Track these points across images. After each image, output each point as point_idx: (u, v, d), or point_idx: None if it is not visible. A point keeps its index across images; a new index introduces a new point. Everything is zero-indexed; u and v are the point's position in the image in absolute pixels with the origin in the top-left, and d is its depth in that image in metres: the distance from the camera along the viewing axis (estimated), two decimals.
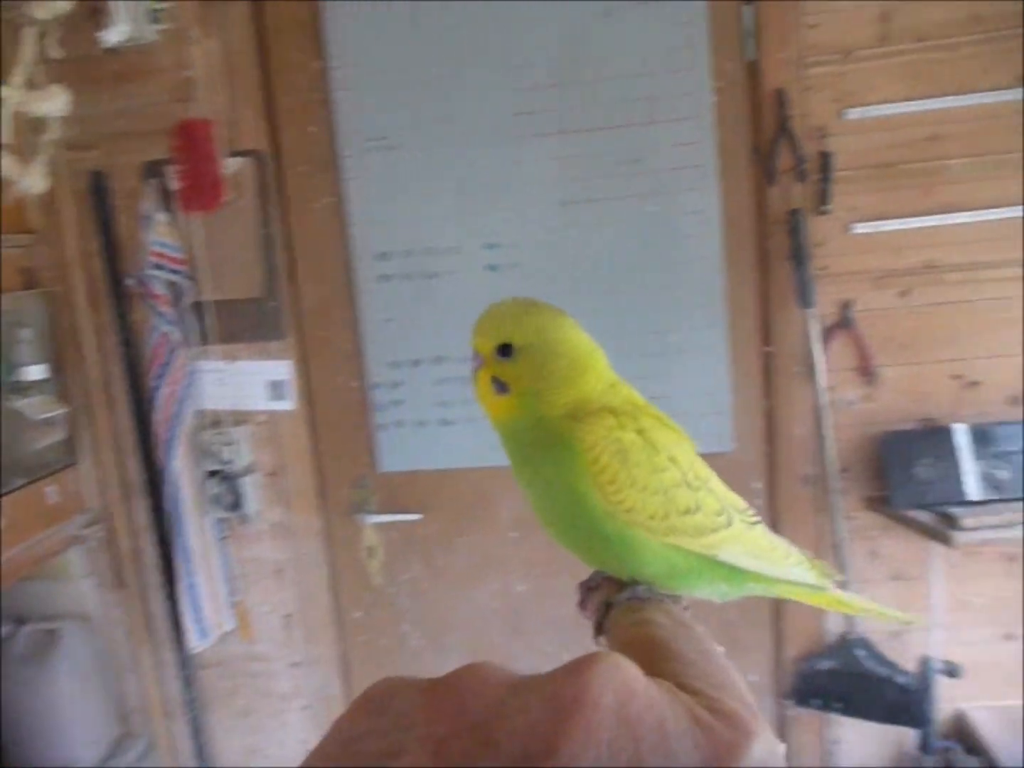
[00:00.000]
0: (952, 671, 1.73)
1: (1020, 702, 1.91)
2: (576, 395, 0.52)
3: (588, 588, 0.61)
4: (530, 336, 0.52)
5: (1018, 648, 1.91)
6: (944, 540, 1.61)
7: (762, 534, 0.58)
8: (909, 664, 1.81)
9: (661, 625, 0.47)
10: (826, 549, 1.87)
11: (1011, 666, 1.92)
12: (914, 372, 1.83)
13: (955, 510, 1.67)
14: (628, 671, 0.29)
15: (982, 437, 1.76)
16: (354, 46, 1.84)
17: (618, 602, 0.54)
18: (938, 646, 1.88)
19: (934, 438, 1.77)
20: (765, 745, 0.29)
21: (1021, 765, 1.74)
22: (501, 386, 0.54)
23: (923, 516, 1.71)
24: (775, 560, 0.59)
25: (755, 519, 0.58)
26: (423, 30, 1.82)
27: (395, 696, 0.30)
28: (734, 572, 0.57)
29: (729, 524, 0.55)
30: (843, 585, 0.64)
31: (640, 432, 0.52)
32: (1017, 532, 1.64)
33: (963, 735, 1.90)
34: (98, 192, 1.92)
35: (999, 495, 1.72)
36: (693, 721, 0.28)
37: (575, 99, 1.80)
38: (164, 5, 1.85)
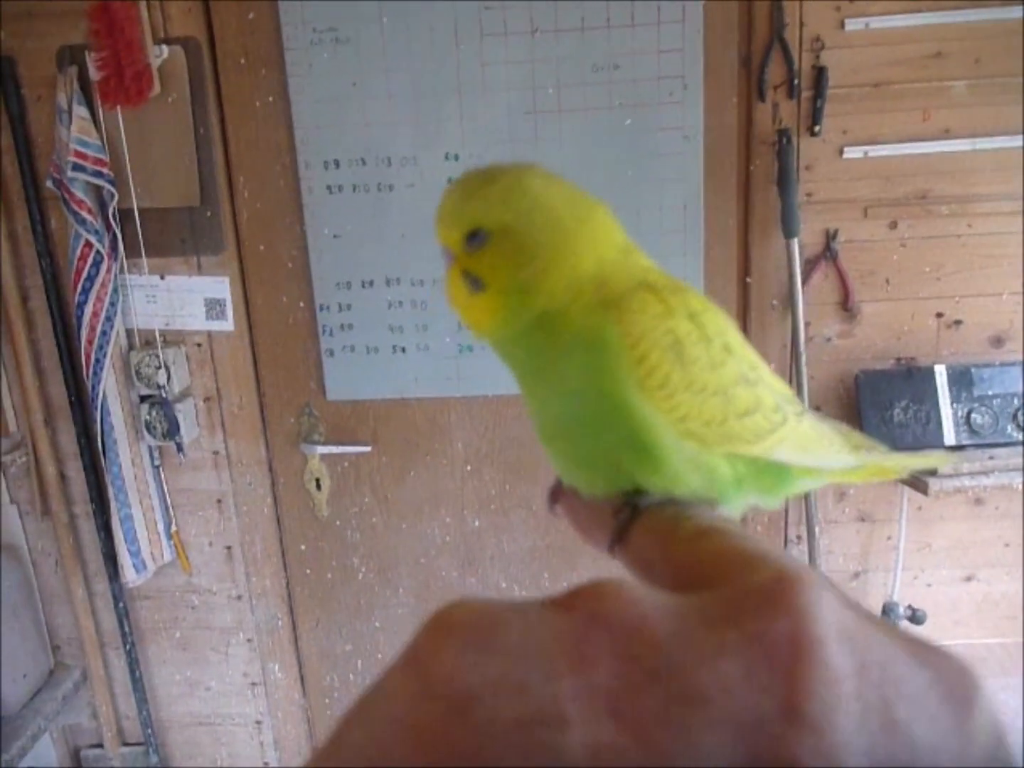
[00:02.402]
0: (916, 617, 1.70)
1: (976, 641, 1.91)
2: (581, 273, 0.41)
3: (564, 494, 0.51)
4: (497, 211, 0.41)
5: (977, 589, 1.89)
6: (919, 487, 1.55)
7: (811, 425, 0.50)
8: (872, 609, 1.77)
9: (735, 535, 0.37)
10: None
11: (970, 607, 1.90)
12: (895, 309, 1.74)
13: (931, 455, 1.61)
14: (835, 595, 0.22)
15: (961, 379, 1.68)
16: None
17: (647, 504, 0.44)
18: (900, 588, 1.85)
19: (912, 379, 1.70)
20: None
21: None
22: (475, 282, 0.43)
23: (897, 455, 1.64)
24: (826, 452, 0.50)
25: (801, 408, 0.50)
26: None
27: (500, 626, 0.21)
28: (783, 473, 0.49)
29: (784, 421, 0.46)
30: (877, 450, 0.57)
31: (692, 318, 0.41)
32: (991, 480, 1.58)
33: None
34: (5, 80, 1.69)
35: (976, 440, 1.66)
36: (912, 652, 0.21)
37: None
38: None
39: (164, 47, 1.67)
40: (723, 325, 0.44)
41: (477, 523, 1.95)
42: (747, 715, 0.19)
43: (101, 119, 1.69)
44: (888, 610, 1.74)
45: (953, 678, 0.21)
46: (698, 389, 0.41)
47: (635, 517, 0.44)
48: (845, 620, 0.21)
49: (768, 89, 1.62)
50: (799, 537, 1.87)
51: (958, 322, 1.73)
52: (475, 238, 0.42)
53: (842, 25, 1.59)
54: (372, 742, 0.20)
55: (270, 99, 1.72)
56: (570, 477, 0.49)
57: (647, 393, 0.40)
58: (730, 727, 0.19)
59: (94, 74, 1.65)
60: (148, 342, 1.82)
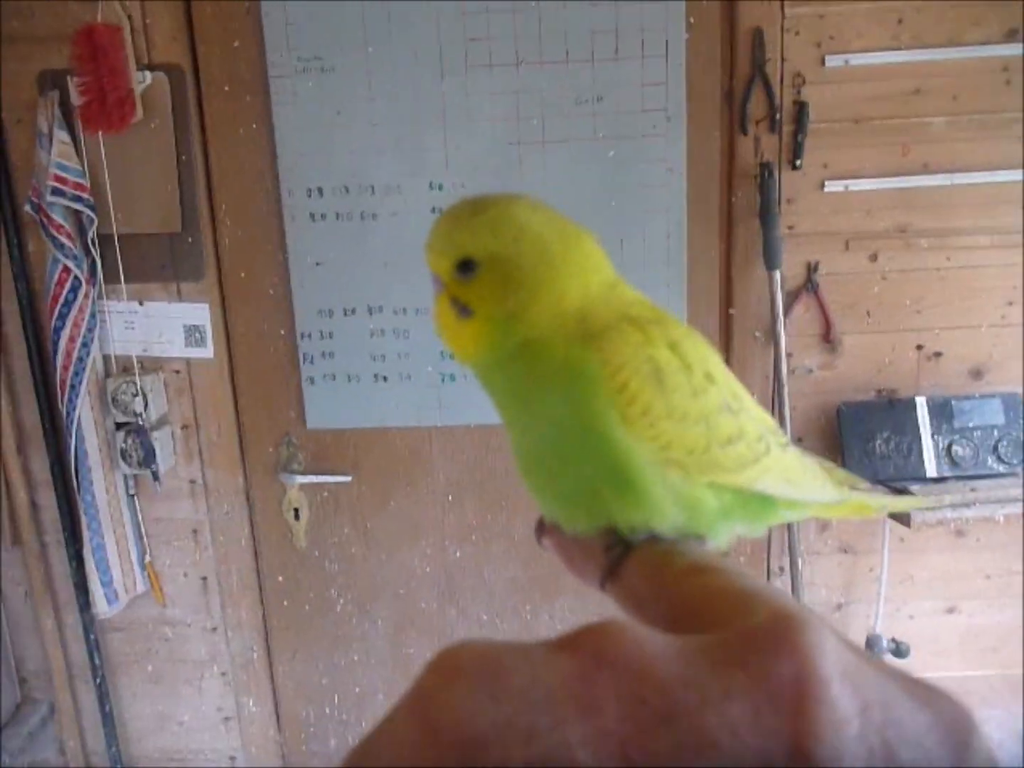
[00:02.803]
0: (900, 651, 1.69)
1: (958, 674, 1.90)
2: (567, 305, 0.41)
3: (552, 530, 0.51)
4: (485, 241, 0.41)
5: (959, 621, 1.89)
6: (902, 520, 1.55)
7: (794, 457, 0.50)
8: (855, 642, 1.76)
9: (729, 572, 0.37)
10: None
11: (952, 639, 1.90)
12: (876, 341, 1.75)
13: (913, 487, 1.61)
14: (832, 634, 0.22)
15: (942, 411, 1.69)
16: None
17: (639, 541, 0.43)
18: (882, 620, 1.84)
19: (893, 411, 1.70)
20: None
21: None
22: (463, 309, 0.43)
23: (879, 492, 1.64)
24: (808, 484, 0.50)
25: (785, 439, 0.49)
26: None
27: (506, 669, 0.21)
28: (766, 505, 0.48)
29: (768, 451, 0.46)
30: (859, 487, 0.57)
31: (673, 347, 0.41)
32: (973, 512, 1.59)
33: None
34: None
35: (957, 472, 1.66)
36: (911, 692, 0.21)
37: (533, 27, 1.63)
38: None
39: (148, 73, 1.67)
40: (705, 354, 0.44)
41: (458, 554, 1.93)
42: (755, 759, 0.19)
43: (82, 144, 1.68)
44: (871, 643, 1.73)
45: (951, 719, 0.21)
46: (680, 417, 0.41)
47: (627, 554, 0.44)
48: (846, 660, 0.21)
49: (750, 123, 1.63)
50: (781, 568, 1.86)
51: (938, 354, 1.74)
52: (465, 267, 0.42)
53: (823, 62, 1.61)
54: None
55: (254, 126, 1.71)
56: (551, 512, 0.48)
57: (628, 422, 0.40)
58: None
59: (76, 99, 1.64)
60: (125, 369, 1.79)
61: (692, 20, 1.61)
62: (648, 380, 0.39)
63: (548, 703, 0.20)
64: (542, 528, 0.53)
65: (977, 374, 1.74)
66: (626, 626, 0.22)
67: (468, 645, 0.22)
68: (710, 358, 0.44)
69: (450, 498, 1.89)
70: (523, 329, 0.41)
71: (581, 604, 1.94)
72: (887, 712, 0.20)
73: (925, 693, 0.22)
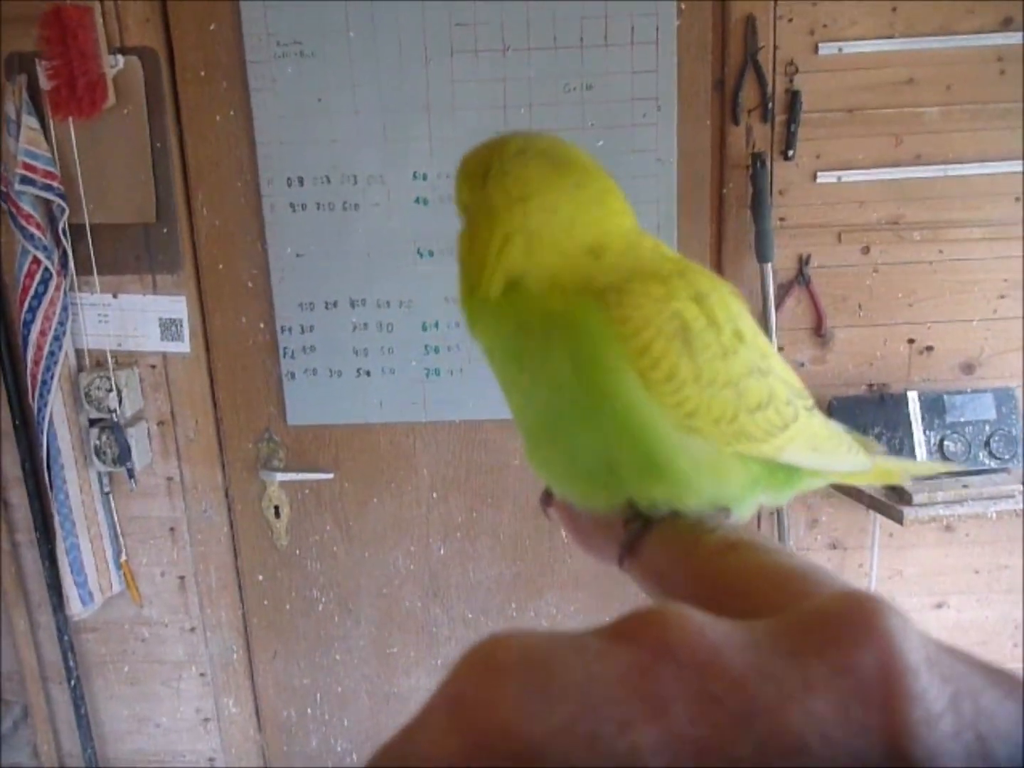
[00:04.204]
0: None
1: None
2: (576, 238, 0.38)
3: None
4: (499, 178, 0.39)
5: (948, 616, 1.88)
6: (894, 516, 1.53)
7: (821, 422, 0.46)
8: None
9: (765, 548, 0.34)
10: (765, 515, 1.78)
11: (940, 635, 1.87)
12: (867, 334, 1.72)
13: (905, 484, 1.59)
14: (908, 618, 0.20)
15: (933, 406, 1.67)
16: None
17: (661, 515, 0.40)
18: None
19: (885, 406, 1.68)
20: None
21: None
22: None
23: (872, 489, 1.62)
24: (835, 452, 0.47)
25: (811, 402, 0.46)
26: None
27: (556, 665, 0.18)
28: (792, 473, 0.44)
29: (796, 417, 0.42)
30: (875, 451, 0.55)
31: (700, 302, 0.37)
32: (965, 508, 1.57)
33: None
34: None
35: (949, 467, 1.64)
36: (993, 680, 0.19)
37: (521, 12, 1.58)
38: None
39: (120, 57, 1.60)
40: (735, 310, 0.40)
41: (442, 551, 1.89)
42: (848, 760, 0.17)
43: (52, 130, 1.62)
44: None
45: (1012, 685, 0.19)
46: (708, 381, 0.37)
47: (647, 528, 0.40)
48: (930, 648, 0.19)
49: (742, 112, 1.60)
50: None
51: (929, 348, 1.72)
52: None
53: (816, 49, 1.57)
54: None
55: (231, 113, 1.66)
56: (562, 490, 0.45)
57: (651, 387, 0.36)
58: None
59: (45, 83, 1.57)
60: (99, 363, 1.74)
61: (683, 7, 1.57)
62: (673, 340, 0.35)
63: (609, 704, 0.17)
64: (549, 498, 0.49)
65: (969, 368, 1.72)
66: (687, 612, 0.19)
67: (510, 637, 0.19)
68: (740, 314, 0.41)
69: (434, 495, 1.85)
70: (536, 269, 0.37)
71: (568, 601, 1.91)
72: (976, 703, 0.18)
73: (1008, 681, 0.20)
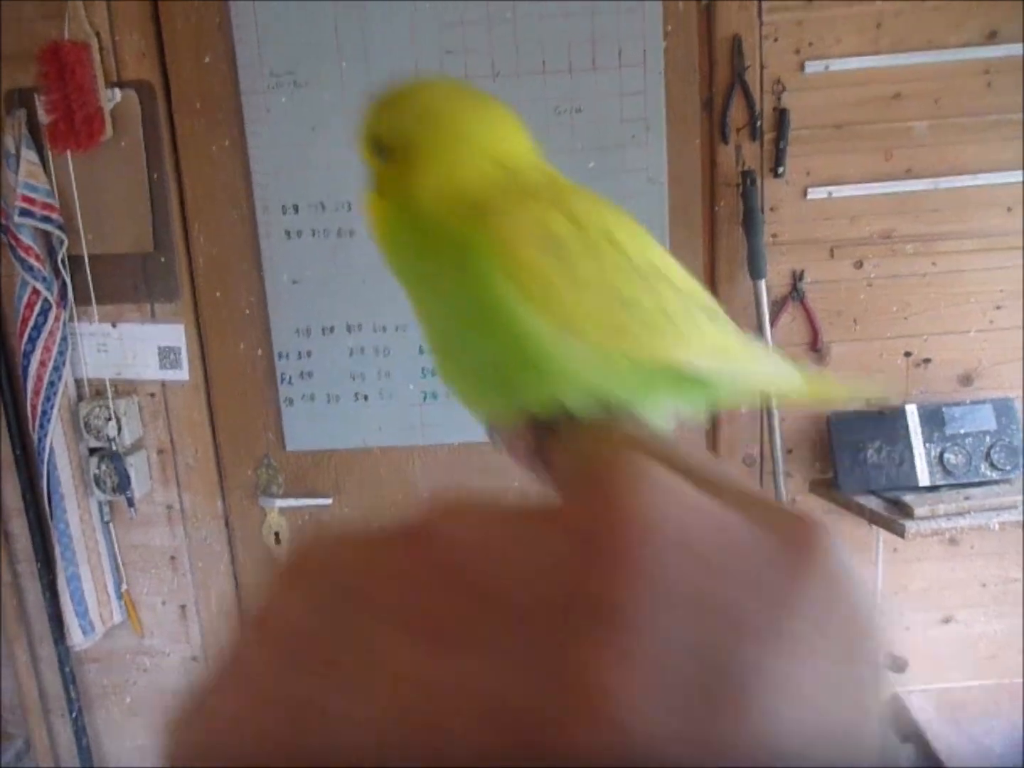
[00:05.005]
0: (897, 665, 1.65)
1: (956, 684, 1.86)
2: (463, 178, 0.40)
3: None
4: (391, 122, 0.42)
5: (955, 631, 1.86)
6: (896, 531, 1.52)
7: (732, 334, 0.46)
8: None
9: (653, 439, 0.35)
10: None
11: (949, 650, 1.87)
12: (864, 348, 1.72)
13: (907, 497, 1.58)
14: (670, 480, 0.20)
15: (932, 418, 1.67)
16: None
17: (565, 421, 0.41)
18: None
19: (884, 420, 1.67)
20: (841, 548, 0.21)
21: (954, 750, 1.70)
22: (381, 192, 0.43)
23: (872, 502, 1.61)
24: (745, 360, 0.46)
25: (722, 316, 0.46)
26: None
27: (330, 567, 0.20)
28: (700, 382, 0.44)
29: (692, 322, 0.43)
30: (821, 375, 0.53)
31: (571, 216, 0.39)
32: (967, 520, 1.56)
33: (897, 722, 1.85)
34: None
35: (949, 480, 1.64)
36: (759, 529, 0.20)
37: (510, 38, 1.60)
38: None
39: (117, 90, 1.63)
40: (610, 221, 0.41)
41: None
42: (547, 609, 0.17)
43: (50, 163, 1.64)
44: None
45: (796, 536, 0.20)
46: (580, 285, 0.38)
47: (551, 434, 0.41)
48: (681, 502, 0.19)
49: (731, 131, 1.61)
50: None
51: (927, 361, 1.72)
52: (379, 151, 0.42)
53: (802, 67, 1.59)
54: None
55: (226, 143, 1.68)
56: (465, 402, 0.46)
57: (524, 291, 0.37)
58: (530, 625, 0.17)
59: (43, 117, 1.60)
60: (98, 392, 1.75)
61: (669, 28, 1.59)
62: (541, 248, 0.37)
63: (358, 595, 0.19)
64: (493, 428, 0.51)
65: (967, 380, 1.72)
66: (466, 503, 0.21)
67: (314, 539, 0.21)
68: (626, 227, 0.42)
69: None
70: (420, 206, 0.40)
71: None
72: (724, 552, 0.18)
73: (771, 514, 0.21)
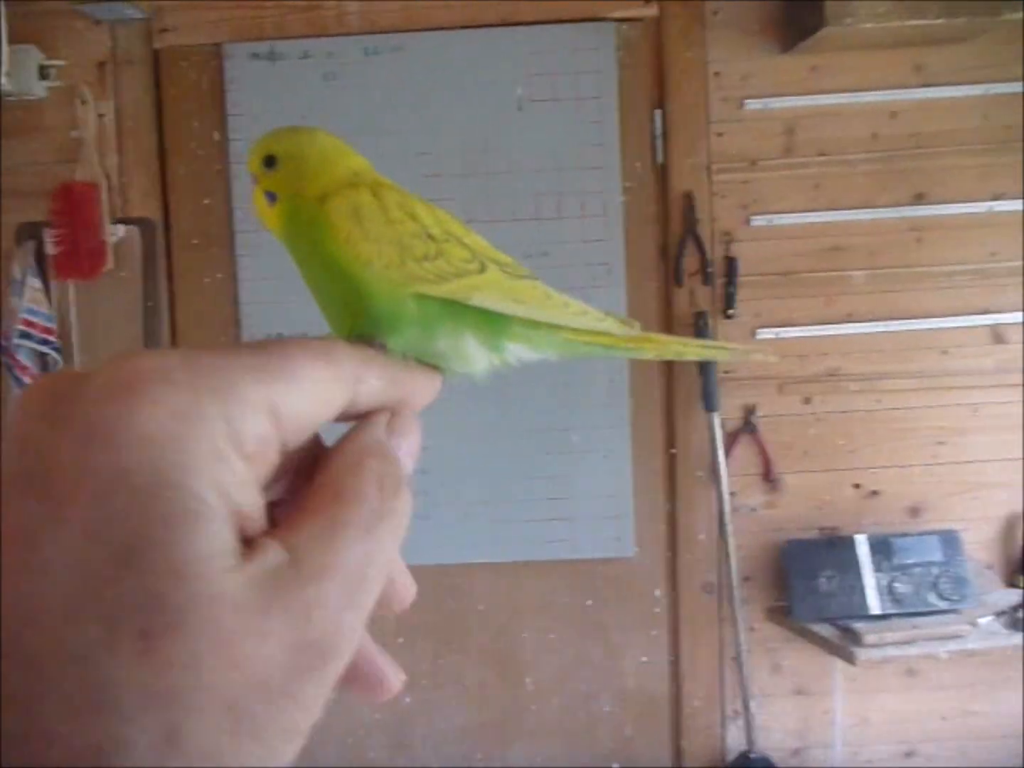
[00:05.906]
0: None
1: None
2: (327, 181, 0.53)
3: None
4: (285, 143, 0.53)
5: (920, 764, 1.85)
6: (847, 658, 1.56)
7: (534, 286, 0.54)
8: None
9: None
10: (728, 661, 1.80)
11: None
12: (815, 480, 1.81)
13: (857, 625, 1.63)
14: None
15: (882, 548, 1.73)
16: (257, 120, 1.77)
17: (386, 348, 0.53)
18: (839, 763, 1.81)
19: (836, 549, 1.74)
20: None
21: None
22: (271, 196, 0.55)
23: (825, 630, 1.66)
24: (547, 306, 0.54)
25: (530, 275, 0.54)
26: (329, 110, 1.76)
27: None
28: (498, 322, 0.53)
29: (482, 271, 0.53)
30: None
31: (375, 195, 0.51)
32: (916, 649, 1.60)
33: None
34: None
35: (898, 609, 1.69)
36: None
37: (482, 190, 1.77)
38: (57, 62, 1.76)
39: (121, 227, 1.77)
40: (410, 202, 0.54)
41: (408, 700, 1.89)
42: None
43: (52, 290, 1.76)
44: None
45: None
46: (373, 239, 0.51)
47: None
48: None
49: (684, 276, 1.75)
50: (736, 712, 1.84)
51: (876, 492, 1.80)
52: (269, 161, 0.53)
53: (748, 221, 1.75)
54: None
55: (219, 276, 1.81)
56: (333, 330, 0.58)
57: (339, 247, 0.50)
58: None
59: (50, 248, 1.73)
60: None
61: (627, 184, 1.75)
62: (349, 216, 0.49)
63: None
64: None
65: (915, 512, 1.79)
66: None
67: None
68: (426, 208, 0.54)
69: (401, 640, 1.87)
70: (299, 202, 0.51)
71: (536, 751, 1.89)
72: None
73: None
